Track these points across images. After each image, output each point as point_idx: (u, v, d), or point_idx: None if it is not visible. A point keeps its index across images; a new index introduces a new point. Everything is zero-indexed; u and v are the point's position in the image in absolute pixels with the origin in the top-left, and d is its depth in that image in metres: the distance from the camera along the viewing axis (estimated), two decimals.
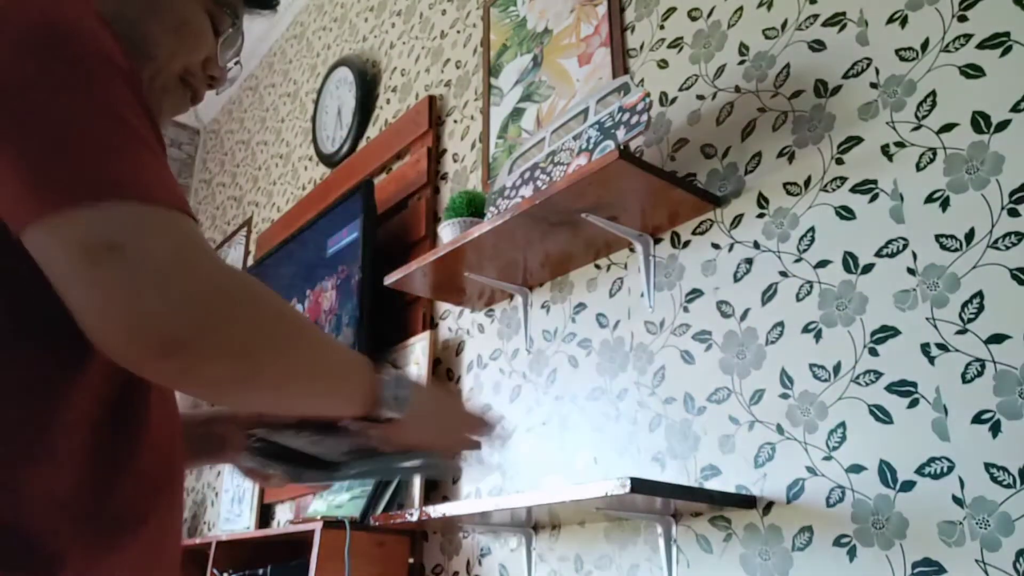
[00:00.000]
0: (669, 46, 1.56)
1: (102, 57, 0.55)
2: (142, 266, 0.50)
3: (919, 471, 1.00)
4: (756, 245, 1.29)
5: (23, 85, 0.52)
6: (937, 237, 1.05)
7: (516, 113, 1.91)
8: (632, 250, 1.50)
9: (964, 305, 1.01)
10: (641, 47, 1.62)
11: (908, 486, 1.01)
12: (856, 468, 1.06)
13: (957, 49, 1.10)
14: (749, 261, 1.29)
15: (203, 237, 0.55)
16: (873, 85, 1.19)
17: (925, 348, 1.03)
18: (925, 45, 1.13)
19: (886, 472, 1.03)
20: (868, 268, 1.12)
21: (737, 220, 1.33)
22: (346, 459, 0.75)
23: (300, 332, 0.60)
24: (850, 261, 1.15)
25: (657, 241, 1.46)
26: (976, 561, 0.92)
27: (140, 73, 0.61)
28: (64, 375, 0.58)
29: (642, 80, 1.59)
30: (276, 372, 0.58)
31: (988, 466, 0.94)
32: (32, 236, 0.51)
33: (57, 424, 0.57)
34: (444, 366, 1.92)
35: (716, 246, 1.35)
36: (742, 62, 1.40)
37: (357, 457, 0.75)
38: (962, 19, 1.10)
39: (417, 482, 1.75)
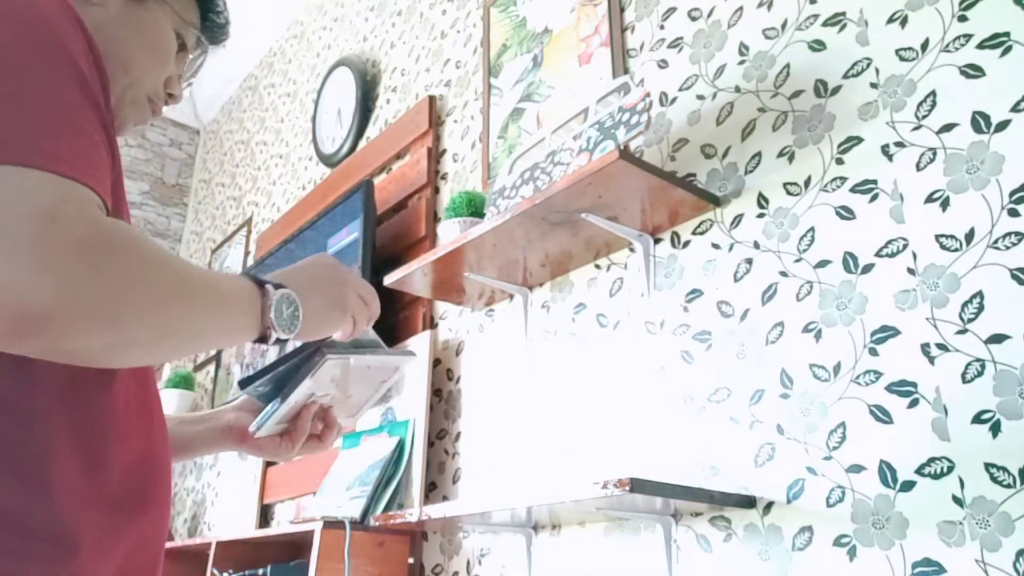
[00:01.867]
0: (669, 46, 1.56)
1: (57, 45, 0.54)
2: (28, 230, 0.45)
3: (919, 471, 1.00)
4: (756, 245, 1.29)
5: None
6: (937, 237, 1.05)
7: (516, 113, 1.91)
8: (632, 250, 1.50)
9: (964, 305, 1.01)
10: (641, 47, 1.62)
11: (908, 486, 1.01)
12: (856, 468, 1.06)
13: (957, 49, 1.10)
14: (749, 261, 1.29)
15: (91, 205, 0.50)
16: (873, 85, 1.19)
17: (925, 348, 1.03)
18: (925, 45, 1.13)
19: (886, 472, 1.03)
20: (868, 268, 1.12)
21: (737, 220, 1.33)
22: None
23: (175, 282, 0.55)
24: (850, 261, 1.15)
25: (657, 241, 1.46)
26: (976, 561, 0.92)
27: (111, 81, 0.62)
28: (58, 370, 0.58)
29: (642, 80, 1.59)
30: (153, 330, 0.53)
31: (988, 466, 0.94)
32: None
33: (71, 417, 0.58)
34: (444, 366, 1.92)
35: (716, 246, 1.35)
36: (742, 62, 1.40)
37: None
38: (962, 19, 1.10)
39: (417, 482, 1.75)
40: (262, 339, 0.63)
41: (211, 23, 0.84)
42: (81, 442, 0.59)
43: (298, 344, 0.73)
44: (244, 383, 0.79)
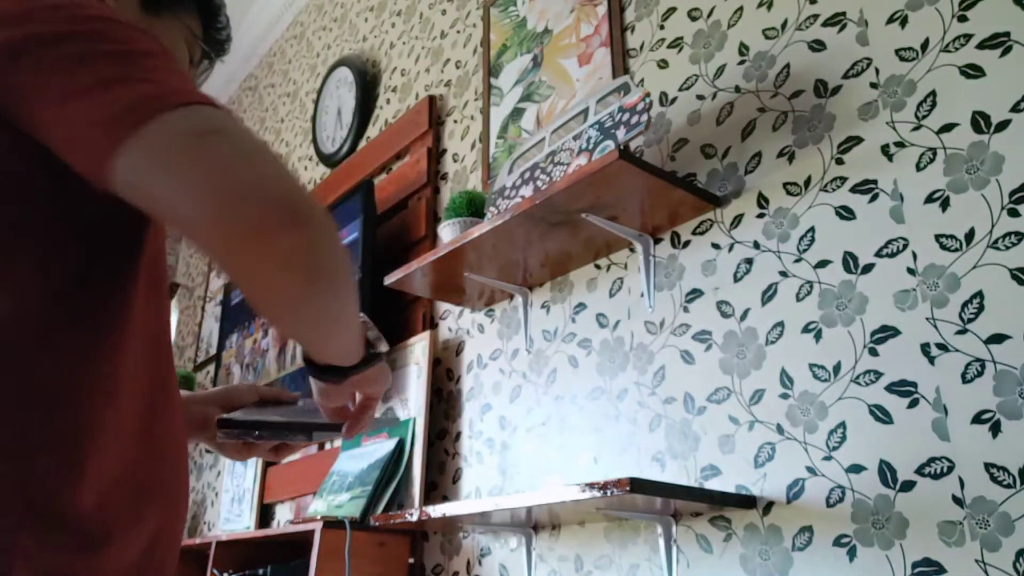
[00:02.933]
0: (669, 46, 1.56)
1: (132, 23, 0.59)
2: (247, 144, 0.52)
3: (919, 471, 1.00)
4: (756, 245, 1.29)
5: (75, 37, 0.55)
6: (937, 237, 1.05)
7: (516, 113, 1.91)
8: (632, 250, 1.50)
9: (964, 305, 1.01)
10: (641, 47, 1.62)
11: (908, 486, 1.01)
12: (856, 468, 1.06)
13: (957, 49, 1.10)
14: (749, 261, 1.29)
15: None
16: (873, 85, 1.19)
17: (925, 348, 1.03)
18: (925, 45, 1.14)
19: (886, 472, 1.03)
20: (868, 268, 1.12)
21: (737, 220, 1.33)
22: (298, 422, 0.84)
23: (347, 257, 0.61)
24: (850, 261, 1.15)
25: (657, 241, 1.46)
26: (976, 561, 0.92)
27: None
28: (111, 359, 0.60)
29: (642, 80, 1.59)
30: (347, 301, 0.60)
31: (988, 466, 0.94)
32: (129, 152, 0.50)
33: (112, 404, 0.60)
34: (444, 366, 1.92)
35: (716, 246, 1.35)
36: (742, 62, 1.40)
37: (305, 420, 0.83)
38: (962, 19, 1.10)
39: (417, 482, 1.75)
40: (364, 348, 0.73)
41: (212, 39, 0.87)
42: (108, 430, 0.60)
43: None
44: (223, 424, 0.83)
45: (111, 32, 0.56)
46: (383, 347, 0.76)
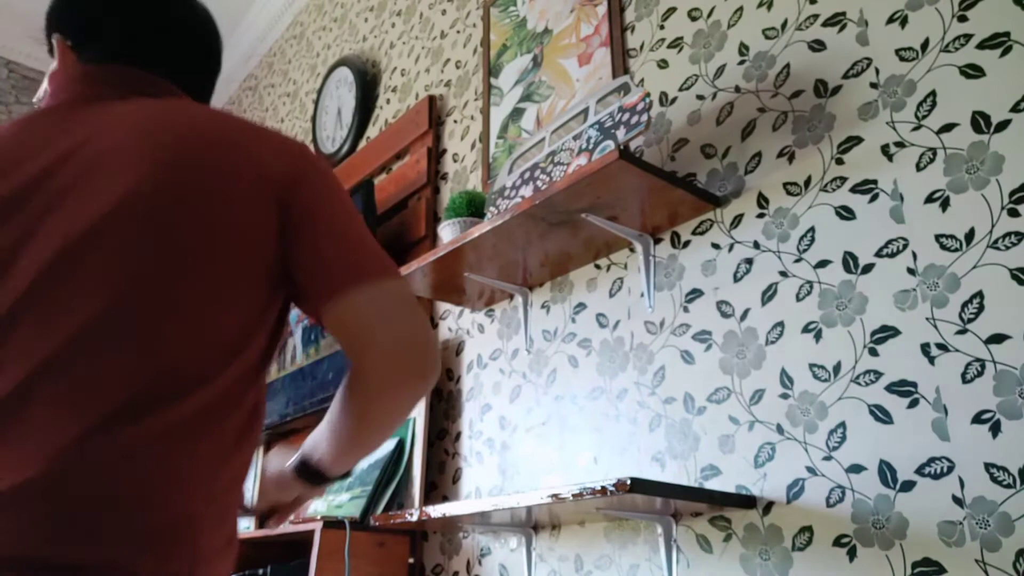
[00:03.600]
0: (669, 46, 1.56)
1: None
2: (426, 320, 0.80)
3: (919, 471, 1.00)
4: (756, 245, 1.29)
5: (334, 194, 0.80)
6: (937, 237, 1.05)
7: (516, 113, 1.91)
8: (632, 250, 1.50)
9: (964, 305, 1.01)
10: (641, 47, 1.62)
11: (908, 486, 1.01)
12: (856, 468, 1.06)
13: (957, 49, 1.10)
14: (749, 261, 1.29)
15: None
16: (873, 85, 1.19)
17: (925, 348, 1.03)
18: (925, 45, 1.13)
19: (886, 472, 1.03)
20: (868, 268, 1.12)
21: (737, 220, 1.33)
22: None
23: None
24: (850, 261, 1.15)
25: (657, 241, 1.46)
26: (976, 561, 0.92)
27: None
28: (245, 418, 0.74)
29: (642, 80, 1.59)
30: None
31: (988, 466, 0.94)
32: (363, 291, 0.75)
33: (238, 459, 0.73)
34: (444, 366, 1.92)
35: (716, 246, 1.35)
36: (742, 62, 1.40)
37: None
38: (962, 19, 1.10)
39: (417, 482, 1.75)
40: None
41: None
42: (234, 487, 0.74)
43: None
44: None
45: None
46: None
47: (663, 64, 1.56)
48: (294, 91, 3.42)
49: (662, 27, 1.58)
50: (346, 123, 2.72)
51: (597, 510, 1.24)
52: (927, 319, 1.04)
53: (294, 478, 0.89)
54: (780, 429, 1.17)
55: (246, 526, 2.44)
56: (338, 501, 1.83)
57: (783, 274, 1.23)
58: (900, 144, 1.13)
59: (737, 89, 1.40)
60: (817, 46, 1.29)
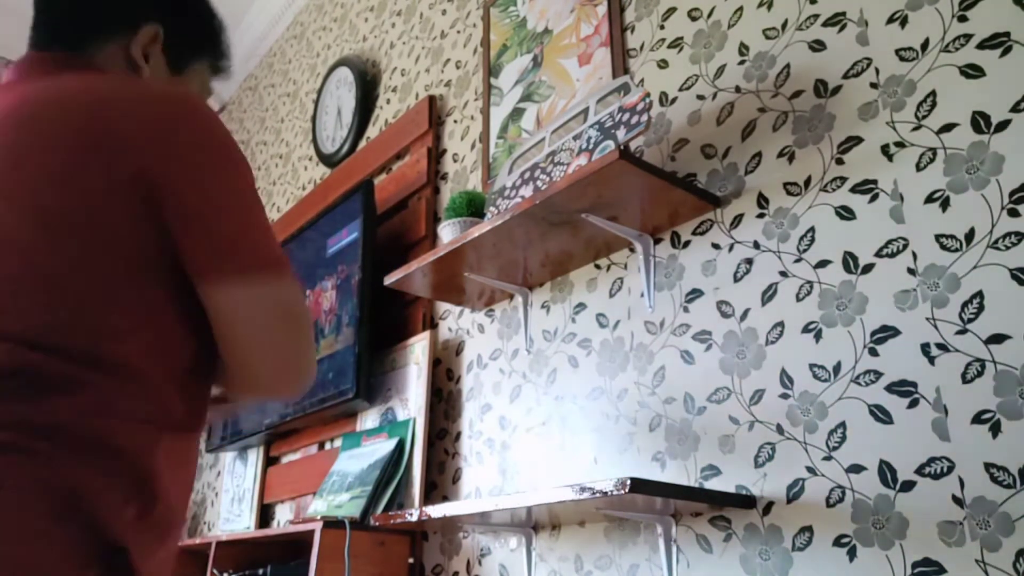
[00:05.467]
0: (669, 46, 1.56)
1: (241, 155, 0.77)
2: (305, 331, 0.76)
3: (919, 471, 1.00)
4: (756, 245, 1.29)
5: (208, 174, 0.73)
6: (937, 237, 1.05)
7: (516, 113, 1.91)
8: (632, 250, 1.50)
9: (964, 305, 1.01)
10: (641, 47, 1.62)
11: (908, 486, 1.01)
12: (856, 468, 1.06)
13: (957, 49, 1.10)
14: (749, 261, 1.29)
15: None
16: (873, 85, 1.19)
17: (925, 348, 1.03)
18: (925, 45, 1.14)
19: (886, 472, 1.03)
20: (868, 268, 1.12)
21: (737, 220, 1.33)
22: None
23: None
24: (850, 261, 1.15)
25: (657, 241, 1.46)
26: (976, 561, 0.92)
27: None
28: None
29: (642, 80, 1.59)
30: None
31: (988, 466, 0.94)
32: (223, 288, 0.71)
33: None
34: (444, 366, 1.92)
35: (716, 246, 1.35)
36: (742, 62, 1.40)
37: None
38: (962, 19, 1.10)
39: (417, 482, 1.75)
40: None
41: (220, 70, 1.02)
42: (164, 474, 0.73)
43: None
44: None
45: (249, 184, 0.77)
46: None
47: (663, 64, 1.56)
48: (294, 91, 3.42)
49: (662, 27, 1.58)
50: (346, 123, 2.72)
51: (597, 510, 1.24)
52: (927, 319, 1.04)
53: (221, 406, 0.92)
54: (780, 429, 1.17)
55: (246, 526, 2.44)
56: (338, 501, 1.83)
57: (783, 274, 1.23)
58: (900, 144, 1.13)
59: (737, 89, 1.40)
60: (817, 46, 1.29)
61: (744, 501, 1.17)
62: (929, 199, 1.08)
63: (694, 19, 1.52)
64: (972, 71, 1.07)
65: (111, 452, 0.64)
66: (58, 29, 0.83)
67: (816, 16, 1.30)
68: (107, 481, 0.63)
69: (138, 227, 0.70)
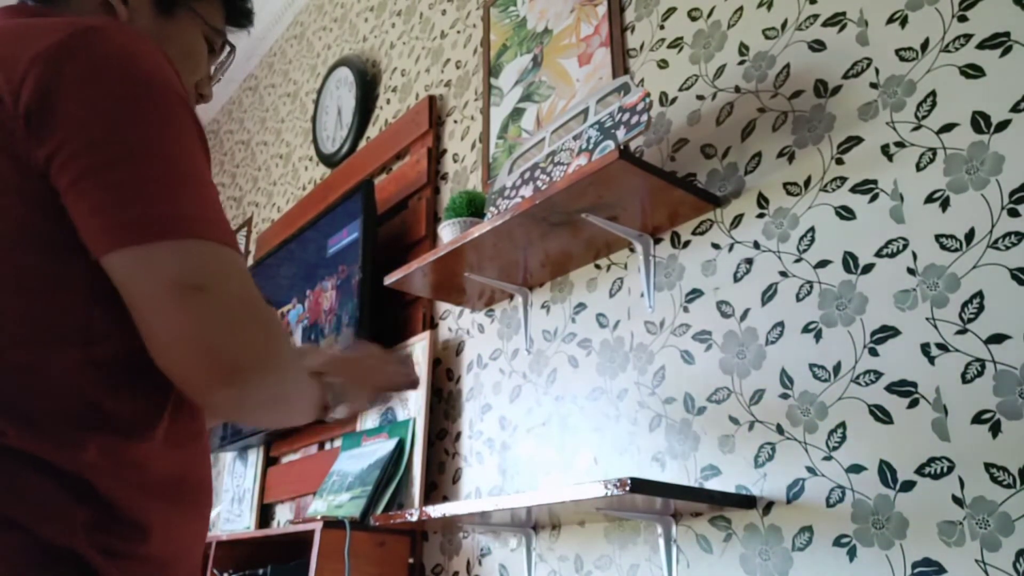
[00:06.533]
0: (669, 46, 1.56)
1: (178, 96, 0.62)
2: (220, 308, 0.59)
3: (919, 471, 1.00)
4: (756, 245, 1.29)
5: (110, 124, 0.59)
6: (937, 237, 1.05)
7: (516, 113, 1.91)
8: (632, 250, 1.50)
9: (964, 305, 1.01)
10: (641, 47, 1.62)
11: (908, 486, 1.01)
12: (856, 468, 1.06)
13: (957, 49, 1.10)
14: (749, 261, 1.29)
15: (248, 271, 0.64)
16: (873, 85, 1.19)
17: (925, 348, 1.03)
18: (925, 45, 1.13)
19: (886, 472, 1.03)
20: (868, 268, 1.12)
21: (737, 220, 1.33)
22: None
23: (299, 368, 0.71)
24: (850, 261, 1.15)
25: (657, 241, 1.46)
26: (976, 561, 0.92)
27: None
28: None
29: (642, 80, 1.59)
30: (289, 404, 0.71)
31: (988, 466, 0.94)
32: (117, 261, 0.58)
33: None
34: (444, 366, 1.92)
35: (716, 246, 1.35)
36: (742, 62, 1.40)
37: None
38: (962, 19, 1.10)
39: (417, 482, 1.75)
40: (322, 413, 0.80)
41: (236, 11, 0.89)
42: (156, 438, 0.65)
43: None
44: None
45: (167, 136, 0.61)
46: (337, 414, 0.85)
47: (663, 64, 1.56)
48: (294, 91, 3.42)
49: (662, 27, 1.58)
50: (346, 123, 2.72)
51: (597, 510, 1.24)
52: (927, 319, 1.04)
53: None
54: (780, 429, 1.17)
55: (246, 525, 2.44)
56: (338, 501, 1.84)
57: (783, 274, 1.23)
58: (900, 144, 1.13)
59: (737, 89, 1.40)
60: (817, 46, 1.29)
61: (744, 501, 1.17)
62: (929, 199, 1.08)
63: (694, 19, 1.52)
64: (972, 71, 1.07)
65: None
66: None
67: (816, 16, 1.30)
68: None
69: (23, 187, 0.59)
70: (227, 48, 0.89)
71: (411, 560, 1.77)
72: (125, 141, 0.58)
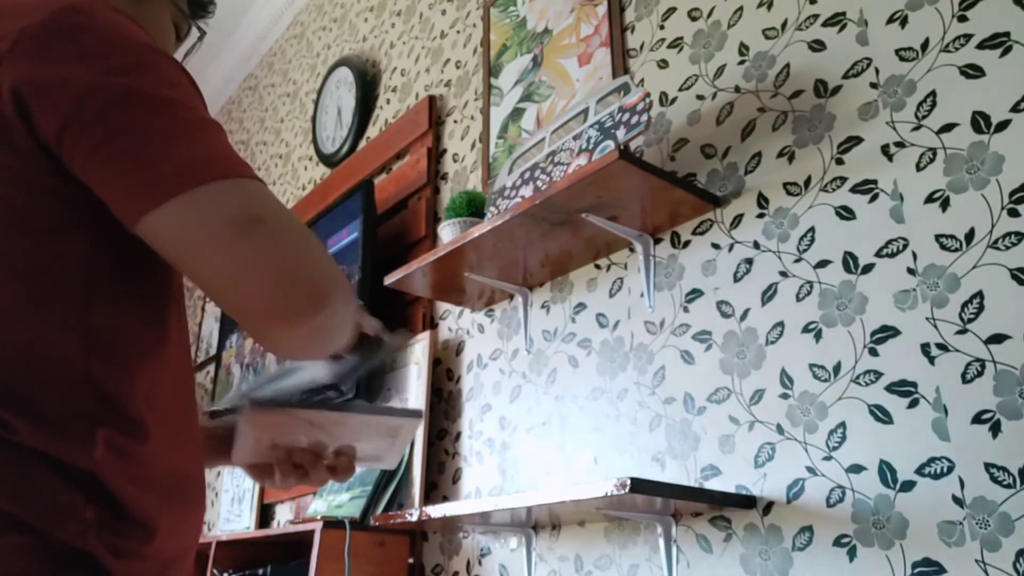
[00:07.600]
0: (669, 46, 1.56)
1: (167, 56, 0.63)
2: (284, 234, 0.59)
3: (919, 471, 1.00)
4: (756, 245, 1.29)
5: (114, 90, 0.58)
6: (937, 237, 1.05)
7: (516, 113, 1.91)
8: (632, 250, 1.50)
9: (964, 305, 1.01)
10: (641, 47, 1.62)
11: (908, 486, 1.01)
12: (856, 468, 1.06)
13: (957, 49, 1.10)
14: (749, 261, 1.29)
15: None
16: (873, 85, 1.19)
17: (925, 348, 1.03)
18: (925, 45, 1.14)
19: (886, 472, 1.03)
20: (868, 268, 1.12)
21: (737, 220, 1.33)
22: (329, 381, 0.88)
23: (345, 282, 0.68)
24: (850, 261, 1.15)
25: (657, 241, 1.46)
26: (976, 561, 0.92)
27: None
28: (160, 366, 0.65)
29: (642, 80, 1.59)
30: (349, 324, 0.68)
31: (988, 466, 0.94)
32: (162, 217, 0.56)
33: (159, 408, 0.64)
34: (444, 366, 1.92)
35: (716, 246, 1.35)
36: (742, 62, 1.40)
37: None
38: (962, 19, 1.10)
39: (417, 482, 1.75)
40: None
41: (195, 3, 0.88)
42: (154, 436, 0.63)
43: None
44: (256, 403, 0.82)
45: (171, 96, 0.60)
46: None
47: (663, 64, 1.56)
48: (294, 91, 3.42)
49: (662, 27, 1.58)
50: (346, 123, 2.72)
51: (597, 510, 1.24)
52: (927, 319, 1.04)
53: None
54: (780, 429, 1.17)
55: (246, 525, 2.45)
56: (338, 501, 1.84)
57: (783, 274, 1.23)
58: (900, 144, 1.13)
59: (737, 89, 1.40)
60: (817, 46, 1.29)
61: (744, 501, 1.17)
62: (929, 199, 1.08)
63: (694, 19, 1.52)
64: (972, 71, 1.07)
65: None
66: None
67: (816, 16, 1.30)
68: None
69: (12, 167, 0.58)
70: (196, 33, 0.89)
71: (411, 560, 1.77)
72: (132, 104, 0.58)
